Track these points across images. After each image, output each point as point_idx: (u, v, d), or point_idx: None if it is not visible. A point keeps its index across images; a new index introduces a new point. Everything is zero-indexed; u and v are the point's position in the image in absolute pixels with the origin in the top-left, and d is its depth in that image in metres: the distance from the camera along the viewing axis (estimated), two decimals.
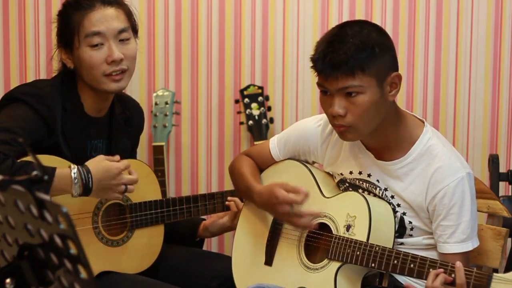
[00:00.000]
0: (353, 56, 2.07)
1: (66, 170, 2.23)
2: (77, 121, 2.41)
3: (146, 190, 2.51)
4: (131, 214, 2.48)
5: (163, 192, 2.89)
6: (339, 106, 2.10)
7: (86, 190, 2.25)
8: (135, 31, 2.47)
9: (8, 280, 1.33)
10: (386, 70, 2.12)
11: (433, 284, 2.01)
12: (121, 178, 2.32)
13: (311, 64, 2.15)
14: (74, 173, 2.23)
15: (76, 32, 2.37)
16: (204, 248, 3.32)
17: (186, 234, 2.70)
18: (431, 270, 2.04)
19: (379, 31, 2.17)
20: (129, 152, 2.62)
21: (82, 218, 2.37)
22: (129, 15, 2.45)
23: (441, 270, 2.02)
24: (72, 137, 2.38)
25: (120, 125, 2.55)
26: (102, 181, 2.28)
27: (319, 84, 2.15)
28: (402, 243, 2.24)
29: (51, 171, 2.19)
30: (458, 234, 2.15)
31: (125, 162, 2.35)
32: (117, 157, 2.36)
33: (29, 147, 2.15)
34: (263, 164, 2.48)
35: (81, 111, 2.42)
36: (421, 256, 2.08)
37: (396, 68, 2.17)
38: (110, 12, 2.39)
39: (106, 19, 2.38)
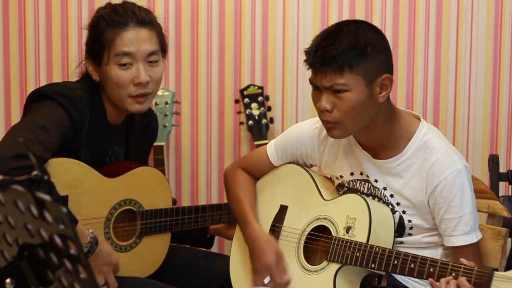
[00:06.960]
0: (344, 53, 2.07)
1: (85, 230, 2.19)
2: (100, 128, 2.40)
3: (158, 197, 2.52)
4: (142, 221, 2.48)
5: None
6: (326, 101, 2.12)
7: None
8: (164, 51, 2.45)
9: (8, 280, 1.33)
10: (376, 71, 2.11)
11: None
12: (108, 270, 2.25)
13: (304, 58, 2.16)
14: (89, 238, 2.19)
15: (106, 49, 2.34)
16: None
17: (197, 232, 2.71)
18: (431, 269, 2.04)
19: (376, 32, 2.16)
20: (144, 160, 2.63)
21: (95, 223, 2.36)
22: (160, 36, 2.42)
23: (451, 277, 1.99)
24: (95, 143, 2.38)
25: (137, 132, 2.56)
26: (96, 260, 2.22)
27: (310, 80, 2.16)
28: (401, 242, 2.24)
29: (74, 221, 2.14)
30: (461, 226, 2.15)
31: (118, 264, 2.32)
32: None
33: (29, 148, 2.13)
34: (261, 171, 2.48)
35: (104, 118, 2.42)
36: (422, 256, 2.08)
37: (389, 70, 2.15)
38: (143, 33, 2.36)
39: (138, 40, 2.34)
